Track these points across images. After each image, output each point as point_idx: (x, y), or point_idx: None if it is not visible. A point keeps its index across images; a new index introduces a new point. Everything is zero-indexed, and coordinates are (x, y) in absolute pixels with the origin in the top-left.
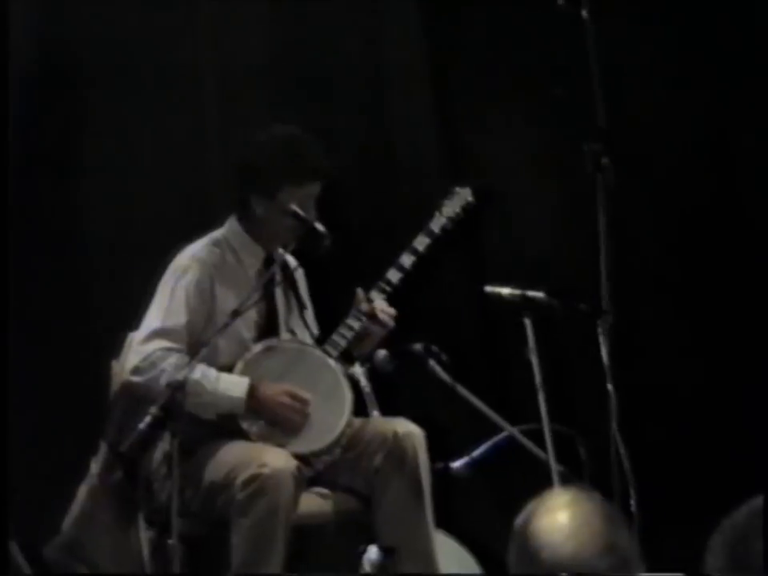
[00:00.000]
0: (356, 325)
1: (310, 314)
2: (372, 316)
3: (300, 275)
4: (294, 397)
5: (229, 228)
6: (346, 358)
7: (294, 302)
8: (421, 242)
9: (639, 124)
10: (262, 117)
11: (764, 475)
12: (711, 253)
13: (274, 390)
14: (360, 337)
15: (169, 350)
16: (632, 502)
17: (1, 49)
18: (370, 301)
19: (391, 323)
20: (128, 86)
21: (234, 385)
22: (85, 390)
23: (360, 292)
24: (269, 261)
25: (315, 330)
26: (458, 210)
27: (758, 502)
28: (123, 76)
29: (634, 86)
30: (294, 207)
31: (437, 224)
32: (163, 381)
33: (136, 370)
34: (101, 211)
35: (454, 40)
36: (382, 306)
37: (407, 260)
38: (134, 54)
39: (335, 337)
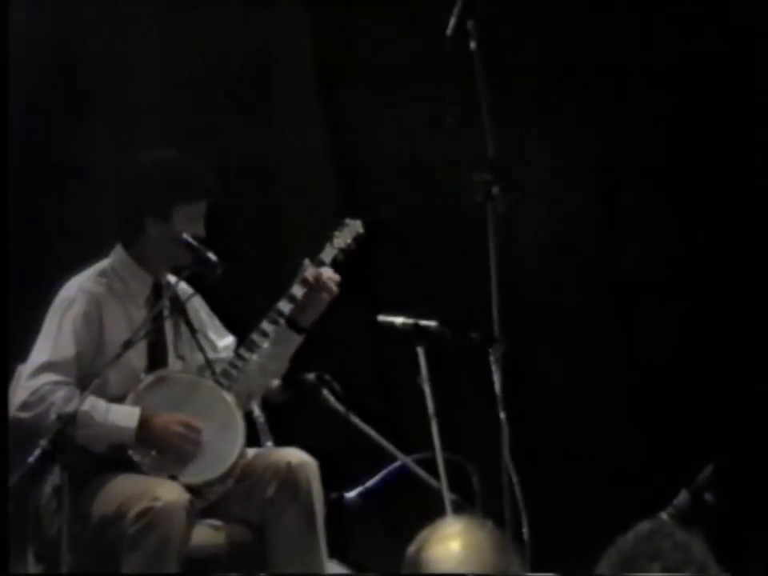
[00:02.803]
0: (292, 300)
1: (205, 335)
2: (317, 281)
3: (196, 301)
4: (187, 426)
5: (115, 257)
6: (295, 328)
7: (182, 326)
8: (311, 274)
9: (528, 153)
10: (151, 141)
11: (659, 500)
12: (600, 280)
13: (167, 420)
14: (305, 305)
15: (57, 383)
16: (524, 530)
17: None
18: (320, 263)
19: (335, 289)
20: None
21: (124, 415)
22: None
23: (307, 261)
24: (157, 287)
25: (216, 351)
26: (348, 241)
27: (643, 526)
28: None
29: (523, 114)
30: (187, 237)
31: (328, 255)
32: (52, 415)
33: (24, 406)
34: None
35: (345, 69)
36: (328, 274)
37: (299, 291)
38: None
39: (239, 352)
